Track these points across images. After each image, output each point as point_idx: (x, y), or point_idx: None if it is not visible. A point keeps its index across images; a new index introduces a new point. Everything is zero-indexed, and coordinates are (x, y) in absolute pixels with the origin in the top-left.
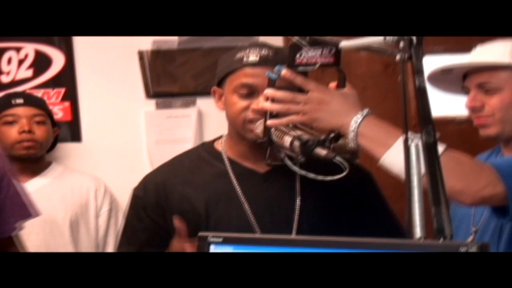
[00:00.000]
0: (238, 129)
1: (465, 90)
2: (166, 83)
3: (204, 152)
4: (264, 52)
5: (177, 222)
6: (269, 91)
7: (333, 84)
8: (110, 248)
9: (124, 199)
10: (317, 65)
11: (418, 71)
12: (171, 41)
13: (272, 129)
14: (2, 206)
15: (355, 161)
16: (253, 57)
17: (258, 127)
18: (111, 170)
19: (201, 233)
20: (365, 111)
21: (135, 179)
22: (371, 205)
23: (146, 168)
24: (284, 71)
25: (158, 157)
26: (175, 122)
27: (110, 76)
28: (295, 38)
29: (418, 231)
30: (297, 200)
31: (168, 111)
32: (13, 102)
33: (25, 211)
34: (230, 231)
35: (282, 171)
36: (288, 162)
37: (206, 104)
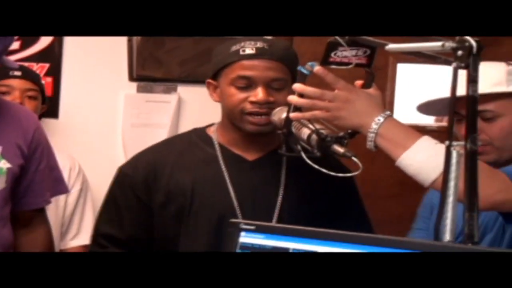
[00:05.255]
0: (236, 120)
1: (457, 116)
2: (151, 67)
3: (196, 136)
4: (259, 44)
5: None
6: (298, 86)
7: (359, 83)
8: (75, 227)
9: (93, 179)
10: (351, 65)
11: (473, 80)
12: None
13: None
14: (34, 177)
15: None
16: (249, 49)
17: (275, 115)
18: (84, 149)
19: (232, 220)
20: (386, 112)
21: (107, 160)
22: (352, 206)
23: (118, 150)
24: (317, 68)
25: (132, 140)
26: (154, 107)
27: (96, 57)
28: (334, 37)
29: (447, 235)
30: (281, 191)
31: (149, 95)
32: (10, 73)
33: (60, 185)
34: (212, 215)
35: (271, 160)
36: (303, 155)
37: (187, 91)
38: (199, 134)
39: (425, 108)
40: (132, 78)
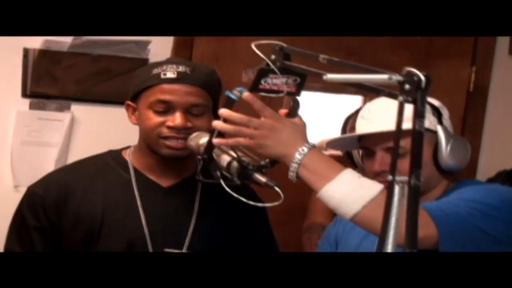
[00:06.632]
0: (152, 144)
1: (366, 152)
2: (46, 84)
3: (110, 159)
4: (181, 69)
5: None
6: (224, 111)
7: (283, 111)
8: None
9: None
10: (281, 94)
11: (421, 115)
12: (62, 42)
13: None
14: None
15: None
16: (170, 73)
17: (193, 140)
18: None
19: None
20: (311, 143)
21: None
22: (260, 231)
23: (6, 168)
24: (246, 94)
25: (21, 158)
26: (46, 125)
27: None
28: (265, 64)
29: None
30: (193, 218)
31: (41, 113)
32: None
33: None
34: (121, 241)
35: (186, 187)
36: (223, 183)
37: (81, 110)
38: (115, 157)
39: (334, 144)
40: (25, 94)
